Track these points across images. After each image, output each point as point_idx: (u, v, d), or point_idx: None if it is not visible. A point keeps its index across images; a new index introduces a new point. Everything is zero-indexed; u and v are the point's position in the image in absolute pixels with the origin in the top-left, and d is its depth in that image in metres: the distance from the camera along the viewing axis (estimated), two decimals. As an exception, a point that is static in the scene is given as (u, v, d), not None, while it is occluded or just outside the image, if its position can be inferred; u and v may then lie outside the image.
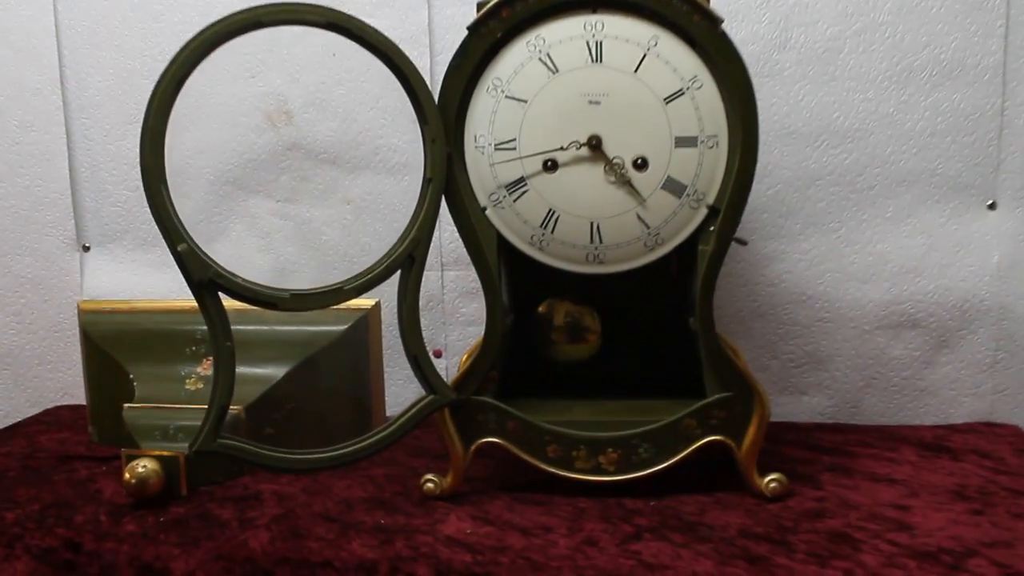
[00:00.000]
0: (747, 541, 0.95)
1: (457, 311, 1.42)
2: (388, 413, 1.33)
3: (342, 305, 1.22)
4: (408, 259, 1.00)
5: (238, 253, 1.44)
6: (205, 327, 0.97)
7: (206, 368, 1.25)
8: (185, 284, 0.95)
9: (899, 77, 1.29)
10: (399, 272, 1.01)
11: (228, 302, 0.97)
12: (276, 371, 1.22)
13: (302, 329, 1.25)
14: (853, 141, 1.31)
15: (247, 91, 1.41)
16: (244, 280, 0.95)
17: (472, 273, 1.38)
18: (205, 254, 0.94)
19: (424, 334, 1.39)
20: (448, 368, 1.42)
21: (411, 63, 0.98)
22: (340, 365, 1.26)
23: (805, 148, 1.31)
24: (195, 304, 0.95)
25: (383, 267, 0.99)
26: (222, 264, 0.96)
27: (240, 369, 1.19)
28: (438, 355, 1.41)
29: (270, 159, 1.42)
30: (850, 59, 1.29)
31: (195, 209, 1.44)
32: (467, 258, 1.37)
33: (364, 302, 1.28)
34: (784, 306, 1.35)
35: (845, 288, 1.34)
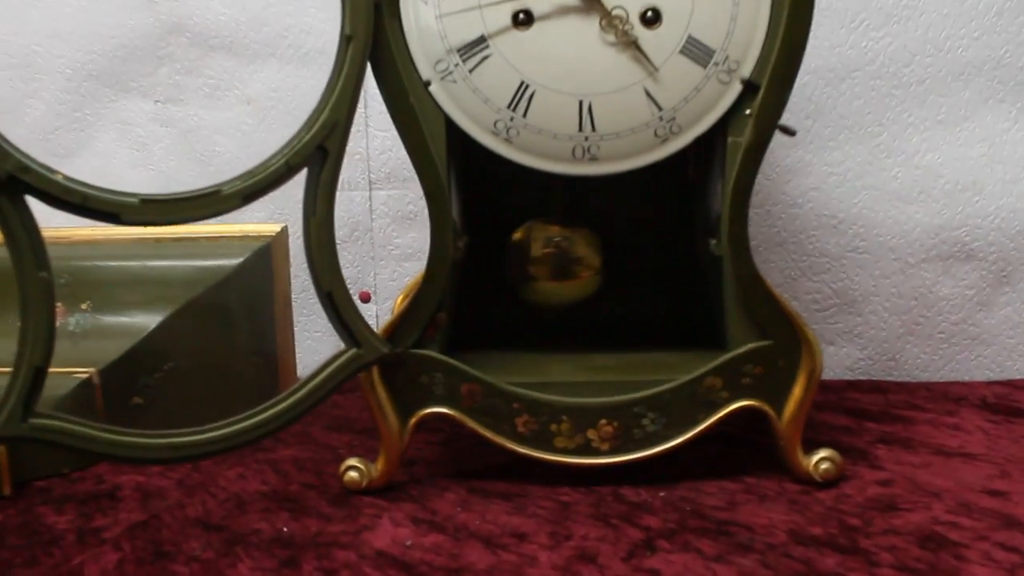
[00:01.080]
0: (805, 550, 0.68)
1: (390, 241, 1.11)
2: (301, 373, 1.04)
3: (236, 231, 0.93)
4: (318, 152, 0.70)
5: (106, 168, 1.13)
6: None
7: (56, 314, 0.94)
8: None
9: (960, -60, 1.01)
10: (305, 172, 0.70)
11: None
12: (147, 320, 0.92)
13: (181, 264, 0.95)
14: (899, 22, 1.04)
15: (111, -48, 1.08)
16: (67, 179, 0.64)
17: (410, 193, 1.09)
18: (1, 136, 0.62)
19: (348, 272, 1.09)
20: (379, 316, 1.13)
21: None
22: (235, 311, 0.96)
23: (839, 29, 1.04)
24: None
25: (280, 162, 0.69)
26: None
27: (96, 318, 0.93)
28: (366, 299, 1.11)
29: (146, 46, 1.11)
30: (898, -88, 1.01)
31: (47, 113, 1.13)
32: (403, 173, 1.09)
33: (266, 227, 0.98)
34: (809, 232, 1.07)
35: (885, 209, 1.07)
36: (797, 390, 0.77)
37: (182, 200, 0.66)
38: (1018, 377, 1.10)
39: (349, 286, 1.11)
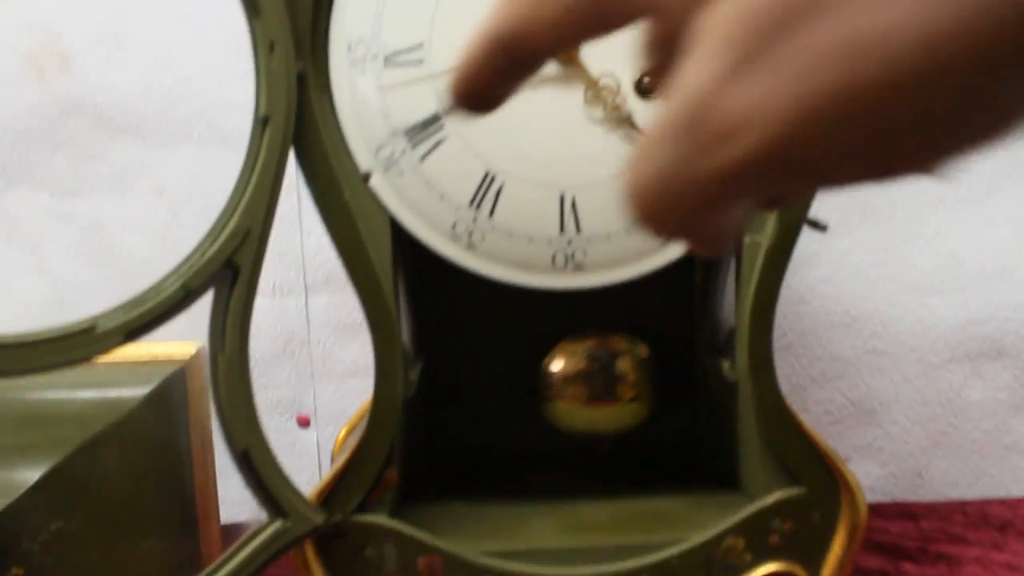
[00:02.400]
0: None
1: (331, 356, 0.94)
2: (226, 518, 0.87)
3: (141, 354, 0.77)
4: (225, 270, 0.54)
5: (-7, 275, 0.94)
6: None
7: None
8: None
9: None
10: (211, 294, 0.54)
11: None
12: (26, 472, 0.74)
13: (73, 397, 0.78)
14: (913, 87, 0.89)
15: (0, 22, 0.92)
16: None
17: (352, 299, 0.92)
18: None
19: (283, 392, 0.93)
20: (319, 444, 0.95)
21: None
22: (140, 452, 0.78)
23: (846, 97, 0.89)
24: None
25: (175, 286, 0.52)
26: None
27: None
28: (304, 424, 0.94)
29: (38, 129, 0.93)
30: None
31: (-80, 209, 0.94)
32: (342, 276, 0.91)
33: (178, 348, 0.81)
34: (819, 333, 0.93)
35: (904, 303, 0.92)
36: (836, 548, 0.62)
37: (43, 342, 0.50)
38: (1060, 490, 0.95)
39: (284, 409, 0.96)
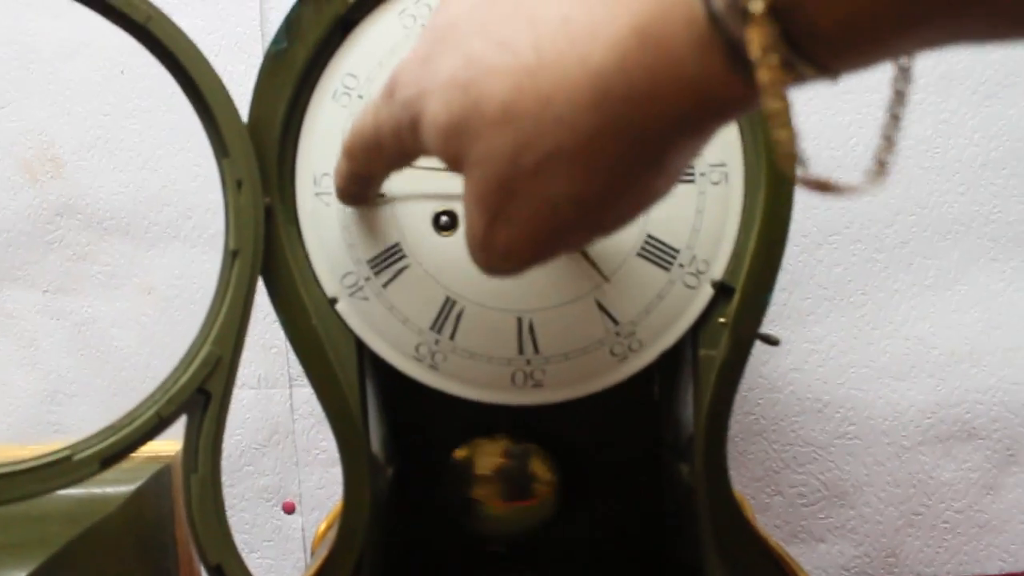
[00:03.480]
0: None
1: (315, 445, 0.97)
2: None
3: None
4: (198, 396, 0.56)
5: (-12, 370, 0.97)
6: None
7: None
8: None
9: (937, 87, 0.91)
10: (184, 419, 0.57)
11: None
12: (12, 573, 0.76)
13: (57, 497, 0.79)
14: (877, 179, 0.91)
15: (-8, 129, 0.95)
16: None
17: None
18: None
19: (269, 480, 0.96)
20: (305, 529, 0.97)
21: (192, 47, 0.55)
22: (127, 550, 0.80)
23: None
24: None
25: (149, 413, 0.55)
26: None
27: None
28: (290, 510, 0.96)
29: (31, 230, 0.96)
30: (869, 62, 0.91)
31: (-82, 307, 0.97)
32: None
33: (164, 445, 0.83)
34: (791, 419, 0.94)
35: (875, 388, 0.95)
36: (796, 648, 0.63)
37: (19, 473, 0.53)
38: (1034, 568, 0.97)
39: (270, 496, 0.98)
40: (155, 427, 0.55)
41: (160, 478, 0.82)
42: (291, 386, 0.95)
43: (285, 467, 0.97)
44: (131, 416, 0.55)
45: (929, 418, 0.94)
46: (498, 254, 0.40)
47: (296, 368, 0.95)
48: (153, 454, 0.82)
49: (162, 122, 0.94)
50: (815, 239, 0.93)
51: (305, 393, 0.96)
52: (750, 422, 0.94)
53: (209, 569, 0.58)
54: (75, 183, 0.95)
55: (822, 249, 0.93)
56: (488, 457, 0.73)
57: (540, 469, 0.73)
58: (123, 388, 0.96)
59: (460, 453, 0.73)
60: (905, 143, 0.92)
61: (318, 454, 0.97)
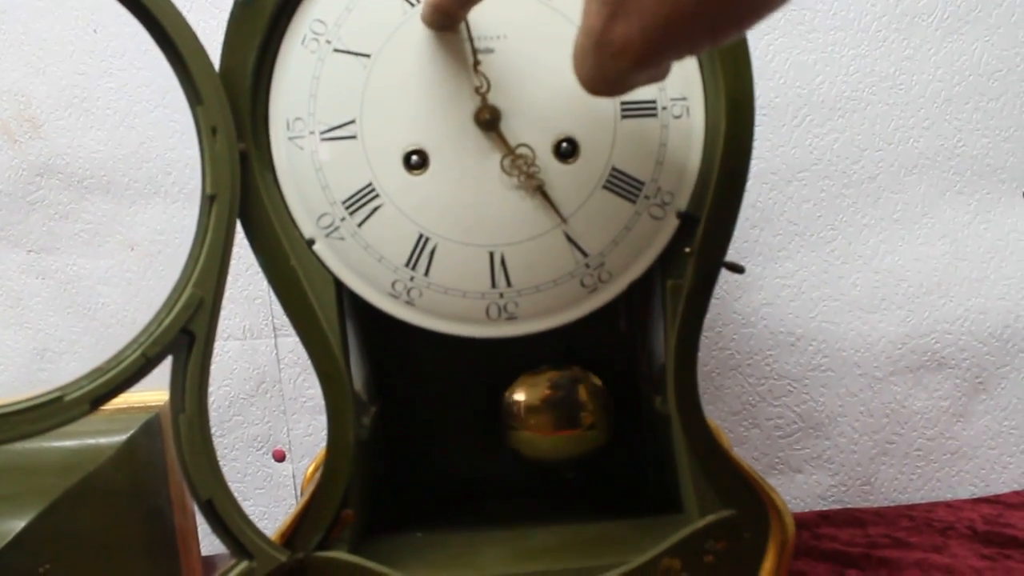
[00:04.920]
0: None
1: (302, 393, 0.99)
2: (208, 550, 0.91)
3: (118, 402, 0.80)
4: (182, 337, 0.58)
5: (-25, 331, 0.98)
6: None
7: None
8: None
9: (900, 24, 0.93)
10: (169, 360, 0.59)
11: None
12: (14, 519, 0.78)
13: (54, 446, 0.82)
14: (844, 115, 0.94)
15: (-34, 92, 0.96)
16: None
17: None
18: None
19: (258, 429, 0.98)
20: (295, 475, 0.99)
21: (162, -3, 0.56)
22: (122, 495, 0.82)
23: (780, 128, 0.94)
24: None
25: (136, 354, 0.57)
26: None
27: (-51, 523, 0.79)
28: (280, 458, 0.98)
29: (12, 191, 0.98)
30: (834, 1, 0.92)
31: (-95, 271, 0.98)
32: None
33: (153, 395, 0.86)
34: (765, 353, 0.97)
35: (846, 321, 0.97)
36: (768, 564, 0.66)
37: (12, 414, 0.54)
38: (1004, 491, 1.00)
39: (260, 444, 1.00)
40: (142, 368, 0.57)
41: (150, 427, 0.84)
42: (276, 336, 0.97)
43: (273, 416, 0.99)
44: (118, 358, 0.57)
45: (900, 349, 0.97)
46: (612, 51, 0.42)
47: (281, 318, 0.97)
48: (142, 404, 0.84)
49: (137, 80, 0.95)
50: (784, 176, 0.94)
51: (290, 342, 0.97)
52: (725, 357, 0.96)
53: (201, 505, 0.60)
54: (54, 143, 0.96)
55: (791, 186, 0.95)
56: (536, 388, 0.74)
57: (586, 396, 0.74)
58: (111, 343, 0.97)
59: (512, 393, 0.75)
60: (869, 80, 0.94)
61: (305, 402, 0.99)
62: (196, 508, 0.88)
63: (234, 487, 0.98)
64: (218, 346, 0.84)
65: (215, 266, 0.59)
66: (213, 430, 0.94)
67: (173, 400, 0.59)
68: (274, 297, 0.95)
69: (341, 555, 0.64)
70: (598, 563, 0.65)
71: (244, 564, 0.62)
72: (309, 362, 0.96)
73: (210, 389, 0.91)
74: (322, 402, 0.97)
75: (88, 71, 0.95)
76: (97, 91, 0.96)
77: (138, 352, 0.57)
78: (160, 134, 0.96)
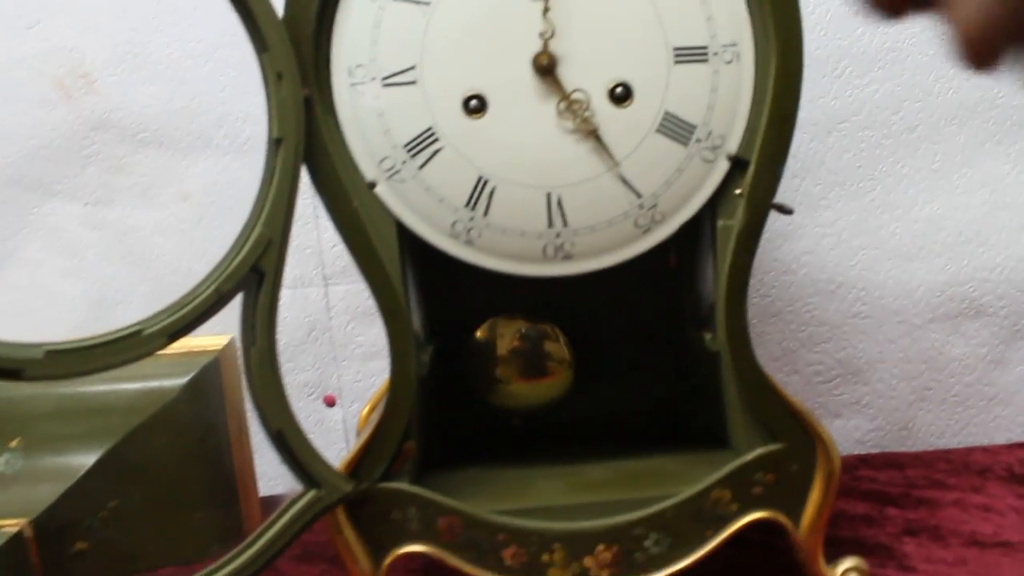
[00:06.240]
0: None
1: (352, 340, 1.02)
2: (265, 491, 0.94)
3: (178, 347, 0.83)
4: (252, 275, 0.60)
5: (36, 279, 1.02)
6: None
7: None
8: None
9: (942, -28, 0.93)
10: (240, 297, 0.61)
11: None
12: (84, 457, 0.83)
13: (120, 388, 0.85)
14: (885, 67, 0.96)
15: (24, 49, 0.99)
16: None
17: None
18: None
19: (309, 376, 1.00)
20: (346, 420, 1.02)
21: (230, -54, 0.58)
22: (183, 435, 0.86)
23: (821, 79, 0.95)
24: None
25: (209, 291, 0.59)
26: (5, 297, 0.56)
27: (28, 456, 0.83)
28: (330, 403, 1.01)
29: (69, 145, 1.00)
30: (875, -50, 0.93)
31: (-33, 223, 1.02)
32: (361, 265, 1.00)
33: (211, 340, 0.89)
34: (805, 300, 0.99)
35: (885, 269, 0.98)
36: (815, 495, 0.68)
37: (96, 347, 0.57)
38: (1041, 437, 1.01)
39: (311, 391, 1.03)
40: (215, 304, 0.60)
41: (209, 370, 0.87)
42: (326, 285, 1.00)
43: (324, 362, 1.02)
44: (192, 295, 0.60)
45: (938, 296, 0.98)
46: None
47: (331, 267, 1.00)
48: (203, 348, 0.87)
49: (189, 35, 0.97)
50: (825, 127, 0.96)
51: (340, 291, 1.00)
52: (766, 304, 0.98)
53: (271, 435, 0.63)
54: (108, 98, 0.99)
55: (832, 136, 0.96)
56: (507, 336, 0.77)
57: (554, 346, 0.77)
58: (166, 293, 0.99)
59: (479, 333, 0.78)
60: (911, 30, 0.95)
61: (355, 349, 1.01)
62: (253, 451, 0.92)
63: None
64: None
65: (282, 207, 0.61)
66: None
67: (244, 334, 0.62)
68: (324, 247, 0.98)
69: (403, 486, 0.67)
70: (649, 494, 0.68)
71: (312, 493, 0.65)
72: (359, 310, 1.00)
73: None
74: (371, 349, 1.01)
75: (141, 27, 0.97)
76: (150, 47, 0.98)
77: (211, 288, 0.59)
78: (212, 88, 0.98)
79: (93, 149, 1.00)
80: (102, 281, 1.02)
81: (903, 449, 1.01)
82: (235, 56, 0.97)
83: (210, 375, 0.87)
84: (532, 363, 0.77)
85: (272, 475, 0.98)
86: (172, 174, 1.00)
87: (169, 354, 0.85)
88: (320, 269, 1.00)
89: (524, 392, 0.77)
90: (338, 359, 1.02)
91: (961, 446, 1.01)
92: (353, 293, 1.00)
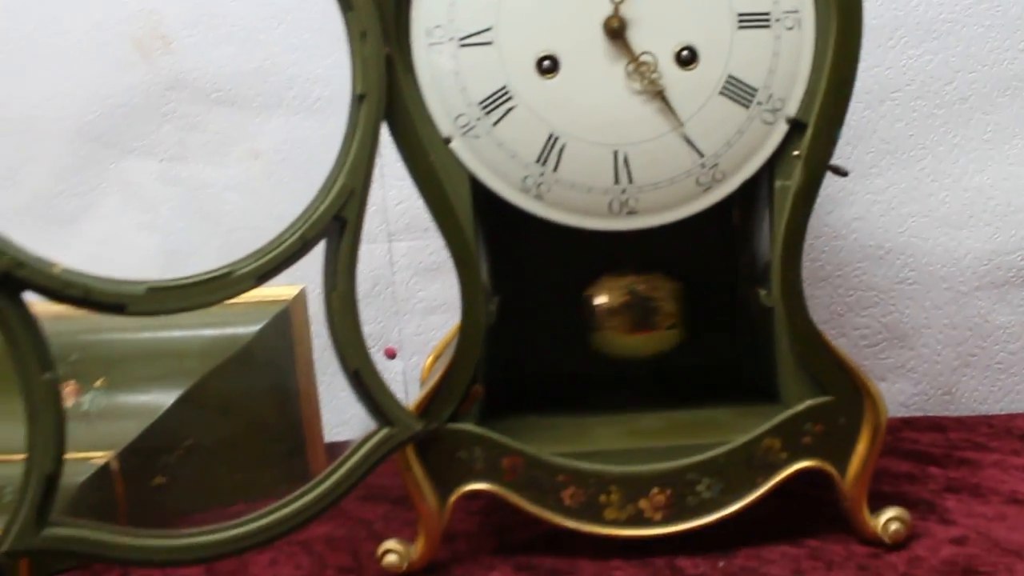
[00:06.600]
0: (884, 626, 0.61)
1: (413, 295, 1.06)
2: (328, 438, 0.98)
3: (251, 296, 0.88)
4: (335, 223, 0.64)
5: (113, 232, 1.07)
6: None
7: (68, 393, 0.89)
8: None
9: (998, -57, 0.96)
10: (323, 244, 0.65)
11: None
12: (163, 397, 0.87)
13: (197, 335, 0.90)
14: (939, 38, 0.98)
15: (105, 11, 1.04)
16: (66, 271, 0.58)
17: (431, 243, 1.04)
18: (-7, 230, 0.57)
19: (371, 328, 1.04)
20: (406, 373, 1.06)
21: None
22: (255, 380, 0.91)
23: (876, 48, 0.98)
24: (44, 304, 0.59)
25: (295, 237, 0.63)
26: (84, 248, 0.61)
27: (111, 395, 0.87)
28: (391, 356, 1.05)
29: (146, 103, 1.05)
30: (932, -79, 0.96)
31: (49, 177, 1.07)
32: (422, 223, 1.03)
33: (282, 291, 0.93)
34: (854, 265, 1.02)
35: (934, 236, 1.01)
36: (861, 447, 0.71)
37: (192, 285, 0.62)
38: (1082, 405, 1.04)
39: (373, 343, 1.07)
40: (299, 249, 0.64)
41: (280, 318, 0.92)
42: (390, 241, 1.04)
43: (386, 316, 1.06)
44: (278, 240, 0.64)
45: (985, 264, 1.01)
46: None
47: (394, 224, 1.04)
48: (274, 298, 0.92)
49: (262, -1, 1.02)
50: (878, 95, 0.98)
51: (403, 247, 1.04)
52: (816, 268, 1.01)
53: (349, 375, 0.67)
54: (184, 58, 1.03)
55: (884, 105, 0.98)
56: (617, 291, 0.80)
57: (666, 301, 0.80)
58: (236, 246, 1.04)
59: (590, 290, 0.81)
60: (966, 2, 0.97)
61: (416, 303, 1.06)
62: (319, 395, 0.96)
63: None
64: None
65: (364, 159, 0.65)
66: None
67: (327, 279, 0.66)
68: (389, 204, 1.02)
69: (469, 427, 0.71)
70: (702, 441, 0.72)
71: (385, 431, 0.69)
72: (421, 266, 1.05)
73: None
74: (432, 304, 1.05)
75: (214, -12, 1.02)
76: (224, 9, 1.02)
77: (297, 235, 0.64)
78: (283, 50, 1.02)
79: (169, 108, 1.05)
80: (175, 234, 1.07)
81: (946, 413, 1.04)
82: (306, 19, 1.01)
83: (281, 323, 0.91)
84: (638, 318, 0.80)
85: (334, 423, 1.02)
86: (244, 132, 1.05)
87: (243, 302, 0.89)
88: (384, 226, 1.04)
89: (632, 344, 0.81)
90: (399, 313, 1.06)
91: (1003, 412, 1.03)
92: (415, 249, 1.05)
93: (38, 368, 0.58)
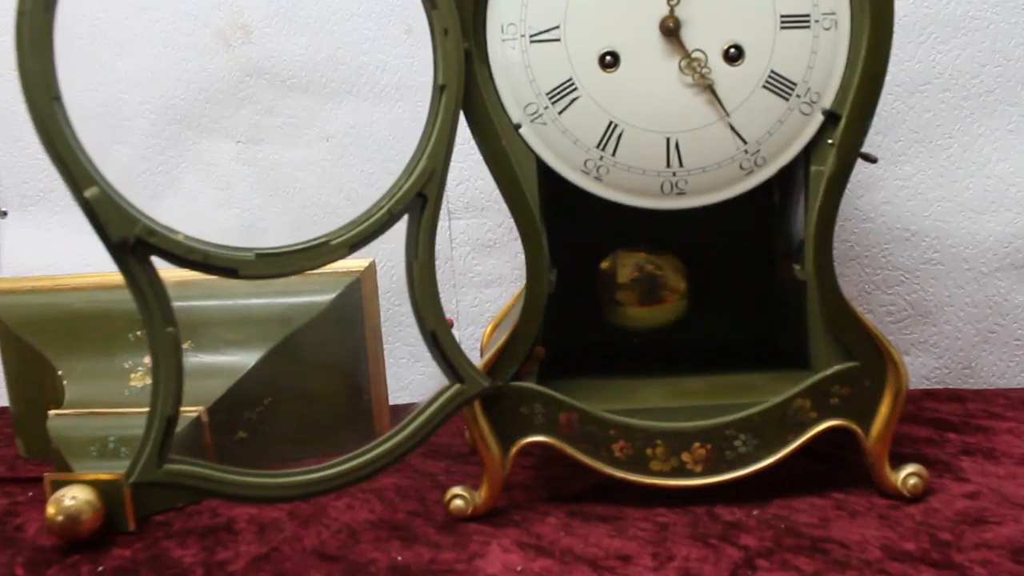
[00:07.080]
0: (901, 566, 0.70)
1: (470, 269, 1.14)
2: (391, 401, 1.06)
3: (326, 269, 0.96)
4: (417, 199, 0.72)
5: (193, 209, 1.16)
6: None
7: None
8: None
9: (1024, -53, 1.02)
10: (406, 219, 0.73)
11: (172, 271, 0.69)
12: (246, 358, 0.96)
13: (276, 302, 0.98)
14: (967, 34, 1.04)
15: (192, 2, 1.13)
16: (188, 238, 0.67)
17: (488, 221, 1.12)
18: (129, 203, 0.66)
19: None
20: (462, 341, 1.14)
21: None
22: (328, 345, 0.99)
23: (907, 43, 1.04)
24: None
25: (383, 211, 0.71)
26: (166, 222, 0.68)
27: (197, 359, 0.96)
28: (450, 325, 1.13)
29: (226, 89, 1.14)
30: (961, -74, 1.02)
31: (134, 157, 1.17)
32: (480, 202, 1.12)
33: (354, 263, 1.01)
34: (882, 246, 1.09)
35: (957, 220, 1.08)
36: (884, 409, 0.79)
37: (294, 252, 0.70)
38: (1095, 381, 1.10)
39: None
40: (387, 222, 0.72)
41: (353, 288, 0.99)
42: (450, 219, 1.12)
43: (444, 288, 1.13)
44: (368, 214, 0.72)
45: (1006, 247, 1.07)
46: None
47: (454, 203, 1.12)
48: (347, 269, 0.99)
49: (336, -10, 1.10)
50: (908, 88, 1.05)
51: (462, 224, 1.12)
52: (845, 248, 1.08)
53: (426, 335, 0.75)
54: (262, 47, 1.12)
55: (914, 97, 1.05)
56: (628, 267, 0.89)
57: (672, 278, 0.89)
58: (306, 223, 1.14)
59: (605, 264, 0.90)
60: (992, 0, 1.03)
61: (473, 277, 1.14)
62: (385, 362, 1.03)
63: (408, 350, 1.15)
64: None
65: (444, 142, 0.73)
66: (393, 299, 1.10)
67: (408, 250, 0.74)
68: (449, 184, 1.10)
69: (531, 385, 0.79)
70: (739, 401, 0.80)
71: (456, 387, 0.77)
72: (478, 242, 1.13)
73: (390, 266, 1.06)
74: (488, 278, 1.13)
75: (293, -18, 1.10)
76: (300, 2, 1.11)
77: (384, 209, 0.72)
78: (355, 40, 1.10)
79: (247, 93, 1.13)
80: (250, 211, 1.16)
81: (965, 386, 1.11)
82: (376, 11, 1.09)
83: (353, 293, 0.99)
84: (649, 291, 0.88)
85: (394, 388, 1.11)
86: (315, 117, 1.13)
87: (318, 274, 0.98)
88: (445, 205, 1.12)
89: (641, 316, 0.89)
90: (457, 286, 1.14)
91: (1020, 386, 1.10)
92: (473, 227, 1.13)
93: (162, 323, 0.67)
